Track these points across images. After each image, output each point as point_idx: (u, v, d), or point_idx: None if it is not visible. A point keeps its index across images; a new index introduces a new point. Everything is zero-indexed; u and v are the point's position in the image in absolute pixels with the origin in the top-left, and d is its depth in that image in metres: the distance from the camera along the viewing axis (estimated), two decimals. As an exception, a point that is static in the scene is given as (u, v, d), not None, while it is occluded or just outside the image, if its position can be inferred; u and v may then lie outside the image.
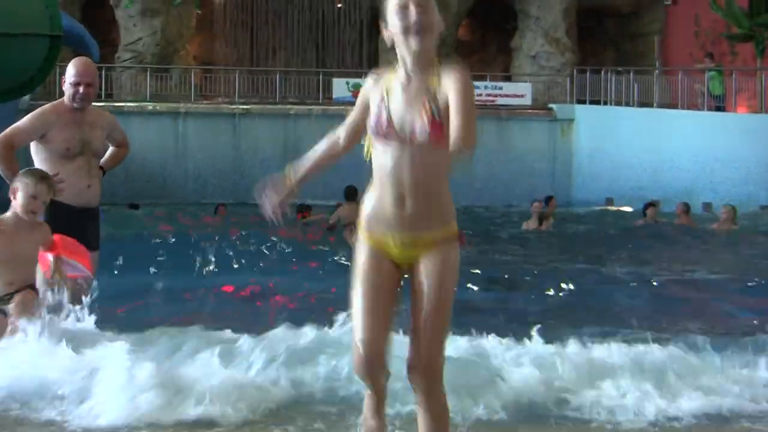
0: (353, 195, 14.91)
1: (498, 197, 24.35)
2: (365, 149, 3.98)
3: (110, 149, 6.95)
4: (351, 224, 15.10)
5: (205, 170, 24.14)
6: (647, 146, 23.32)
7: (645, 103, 24.41)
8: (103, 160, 6.84)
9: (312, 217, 16.30)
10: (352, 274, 3.99)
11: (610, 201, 23.48)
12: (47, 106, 6.64)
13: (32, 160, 6.61)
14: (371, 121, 3.91)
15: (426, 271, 3.92)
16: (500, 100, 25.68)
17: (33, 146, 6.57)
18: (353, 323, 3.96)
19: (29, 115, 6.56)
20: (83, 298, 6.18)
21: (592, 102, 25.62)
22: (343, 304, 4.45)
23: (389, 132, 3.84)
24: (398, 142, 3.84)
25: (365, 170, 4.00)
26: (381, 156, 3.88)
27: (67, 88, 6.53)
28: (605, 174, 24.39)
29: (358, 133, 4.05)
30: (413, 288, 3.96)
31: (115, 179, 21.57)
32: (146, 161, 23.58)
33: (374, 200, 3.95)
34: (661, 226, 17.12)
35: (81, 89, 6.49)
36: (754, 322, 8.02)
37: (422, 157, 3.83)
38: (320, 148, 4.09)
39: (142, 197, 23.23)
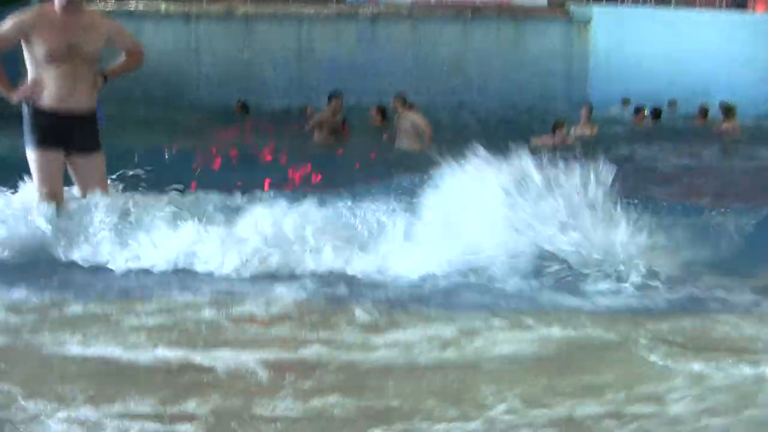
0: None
1: (513, 98, 24.20)
2: None
3: (121, 57, 6.73)
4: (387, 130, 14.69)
5: (217, 73, 23.98)
6: (665, 47, 23.06)
7: (663, 2, 24.03)
8: (110, 67, 6.65)
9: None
10: None
11: (626, 101, 23.30)
12: (32, 8, 6.42)
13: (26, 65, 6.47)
14: None
15: None
16: (516, 0, 25.26)
17: (24, 50, 6.40)
18: None
19: (8, 19, 6.31)
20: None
21: (609, 1, 25.23)
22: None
23: None
24: None
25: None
26: None
27: None
28: (621, 75, 24.18)
29: None
30: None
31: (130, 82, 21.46)
32: (159, 64, 23.43)
33: None
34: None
35: None
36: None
37: None
38: None
39: (157, 100, 23.16)
